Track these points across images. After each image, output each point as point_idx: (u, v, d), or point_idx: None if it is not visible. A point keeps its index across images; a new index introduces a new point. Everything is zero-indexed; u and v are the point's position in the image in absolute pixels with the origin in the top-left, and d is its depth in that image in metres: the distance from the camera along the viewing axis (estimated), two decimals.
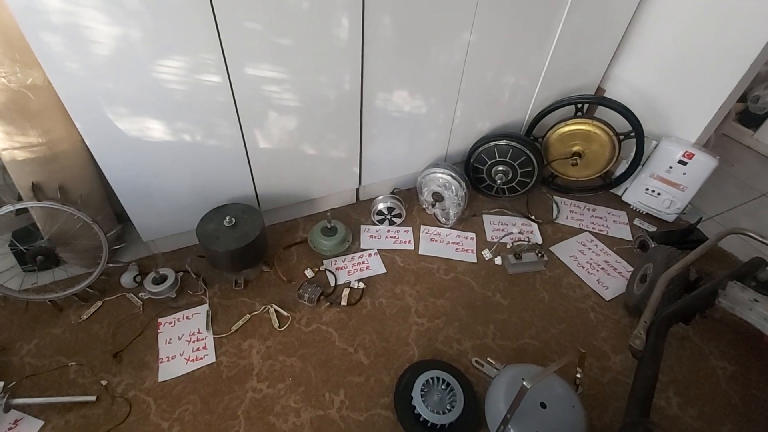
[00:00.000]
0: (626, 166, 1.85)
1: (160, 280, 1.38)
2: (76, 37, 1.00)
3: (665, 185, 1.79)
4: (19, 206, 1.20)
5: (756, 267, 1.24)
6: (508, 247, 1.64)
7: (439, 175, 1.69)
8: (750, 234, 1.24)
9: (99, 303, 1.38)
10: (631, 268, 1.64)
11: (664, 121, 1.82)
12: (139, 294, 1.40)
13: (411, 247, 1.67)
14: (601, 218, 1.87)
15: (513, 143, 1.74)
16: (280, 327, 1.36)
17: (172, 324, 1.35)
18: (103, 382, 1.19)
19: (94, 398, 1.16)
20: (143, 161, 1.28)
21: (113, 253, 1.38)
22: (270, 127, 1.38)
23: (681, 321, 1.19)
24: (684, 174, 1.73)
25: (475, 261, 1.63)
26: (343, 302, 1.43)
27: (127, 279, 1.42)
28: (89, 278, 1.34)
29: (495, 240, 1.72)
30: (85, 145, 1.21)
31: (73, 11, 0.96)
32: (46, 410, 1.14)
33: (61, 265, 1.40)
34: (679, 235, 1.70)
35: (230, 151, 1.38)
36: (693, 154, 1.69)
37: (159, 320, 1.36)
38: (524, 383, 0.92)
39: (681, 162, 1.72)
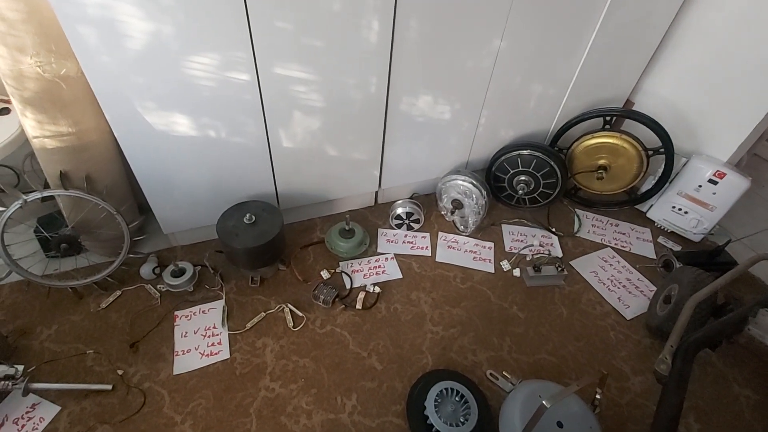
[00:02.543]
0: (653, 182, 1.80)
1: (179, 273, 1.39)
2: (111, 31, 1.01)
3: (693, 204, 1.73)
4: (46, 194, 1.22)
5: None
6: (528, 259, 1.61)
7: (460, 182, 1.67)
8: None
9: (118, 292, 1.40)
10: (654, 288, 1.60)
11: (695, 138, 1.77)
12: (158, 286, 1.41)
13: (428, 253, 1.65)
14: (624, 234, 1.83)
15: (537, 153, 1.70)
16: (294, 327, 1.36)
17: (189, 318, 1.36)
18: (120, 372, 1.21)
19: (110, 387, 1.17)
20: (168, 155, 1.29)
21: (134, 244, 1.39)
22: (294, 127, 1.38)
23: (708, 347, 1.15)
24: (714, 194, 1.68)
25: (493, 271, 1.61)
26: (358, 306, 1.43)
27: (146, 270, 1.43)
28: (110, 267, 1.36)
29: (513, 251, 1.69)
30: (113, 136, 1.22)
31: (109, 5, 0.97)
32: (63, 396, 1.15)
33: (82, 252, 1.42)
34: (706, 256, 1.65)
35: (254, 149, 1.38)
36: (724, 174, 1.64)
37: (176, 313, 1.37)
38: (544, 402, 0.90)
39: (711, 181, 1.67)
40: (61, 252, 1.29)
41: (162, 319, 1.35)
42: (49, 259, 1.44)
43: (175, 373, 1.22)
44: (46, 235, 1.31)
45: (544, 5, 1.42)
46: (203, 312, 1.38)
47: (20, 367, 1.05)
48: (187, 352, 1.27)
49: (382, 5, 1.21)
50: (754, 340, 1.15)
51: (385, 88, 1.40)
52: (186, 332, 1.32)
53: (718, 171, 1.65)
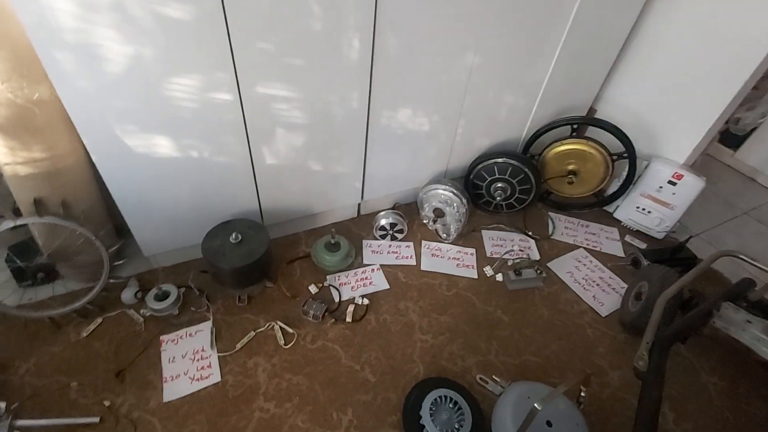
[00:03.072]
0: (618, 184, 1.91)
1: (163, 296, 1.36)
2: (88, 55, 0.99)
3: (655, 204, 1.86)
4: (20, 222, 1.17)
5: (746, 288, 1.30)
6: (509, 264, 1.67)
7: (441, 191, 1.72)
8: (742, 257, 1.31)
9: (99, 320, 1.35)
10: (625, 285, 1.70)
11: (655, 142, 1.90)
12: (141, 311, 1.38)
13: (413, 262, 1.69)
14: (594, 234, 1.93)
15: (512, 161, 1.78)
16: (285, 344, 1.36)
17: (175, 342, 1.33)
18: (106, 403, 1.17)
19: (97, 419, 1.13)
20: (149, 177, 1.26)
21: (113, 269, 1.35)
22: (278, 144, 1.38)
23: (679, 341, 1.24)
24: (673, 194, 1.80)
25: (476, 277, 1.66)
26: (349, 319, 1.44)
27: (128, 295, 1.39)
28: (89, 294, 1.32)
29: (494, 255, 1.75)
30: (89, 160, 1.19)
31: (86, 29, 0.95)
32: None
33: (58, 280, 1.37)
34: (670, 252, 1.76)
35: (237, 167, 1.37)
36: (682, 175, 1.77)
37: (161, 338, 1.34)
38: (536, 405, 0.95)
39: (671, 182, 1.79)
40: (38, 281, 1.24)
41: (147, 344, 1.31)
42: (24, 289, 1.37)
43: (165, 400, 1.20)
44: (20, 264, 1.25)
45: (513, 23, 1.49)
46: (190, 335, 1.35)
47: (2, 405, 1.00)
48: (177, 377, 1.25)
49: (362, 24, 1.23)
50: (718, 331, 1.25)
51: (366, 103, 1.43)
52: (174, 357, 1.29)
53: (676, 173, 1.78)
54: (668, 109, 1.83)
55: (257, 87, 1.22)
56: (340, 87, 1.34)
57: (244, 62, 1.16)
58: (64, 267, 1.34)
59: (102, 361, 1.26)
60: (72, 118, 1.06)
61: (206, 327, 1.37)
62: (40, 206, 1.19)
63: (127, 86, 1.07)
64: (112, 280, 1.35)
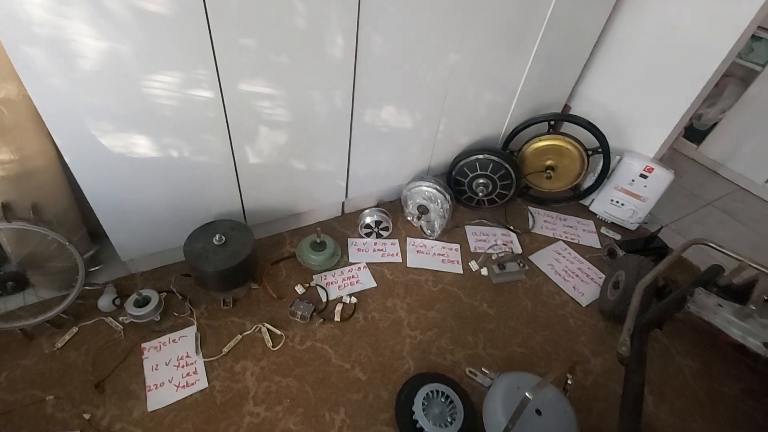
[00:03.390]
0: (593, 178, 1.98)
1: (143, 302, 1.31)
2: (61, 51, 0.94)
3: (628, 197, 1.93)
4: None
5: (716, 274, 1.38)
6: (493, 258, 1.70)
7: (425, 188, 1.73)
8: (711, 245, 1.38)
9: (74, 329, 1.29)
10: (603, 275, 1.76)
11: (627, 137, 1.97)
12: (119, 318, 1.32)
13: (399, 259, 1.69)
14: (571, 227, 1.99)
15: (492, 157, 1.81)
16: (273, 346, 1.34)
17: (158, 349, 1.29)
18: (86, 416, 1.12)
19: None
20: (126, 177, 1.21)
21: (89, 275, 1.29)
22: (261, 142, 1.36)
23: (657, 326, 1.29)
24: (645, 186, 1.88)
25: (461, 272, 1.68)
26: (337, 318, 1.43)
27: (105, 302, 1.33)
28: (64, 303, 1.25)
29: (478, 250, 1.78)
30: (61, 161, 1.14)
31: (58, 23, 0.90)
32: None
33: (29, 288, 1.29)
34: (643, 243, 1.84)
35: (219, 167, 1.34)
36: (652, 169, 1.85)
37: (143, 345, 1.29)
38: (527, 395, 0.97)
39: (642, 176, 1.87)
40: (8, 291, 1.17)
41: (128, 353, 1.26)
42: (9, 295, 1.28)
43: (149, 409, 1.15)
44: None
45: (493, 23, 1.52)
46: (173, 341, 1.31)
47: None
48: (161, 385, 1.20)
49: (346, 22, 1.23)
50: (692, 316, 1.31)
51: (350, 101, 1.42)
52: (157, 365, 1.25)
53: (647, 166, 1.85)
54: (638, 106, 1.90)
55: (239, 84, 1.19)
56: (323, 85, 1.33)
57: (225, 59, 1.13)
58: (35, 275, 1.26)
59: (79, 373, 1.20)
60: (43, 117, 1.01)
61: (190, 332, 1.33)
62: (7, 211, 1.13)
63: (102, 83, 1.02)
64: (87, 287, 1.29)
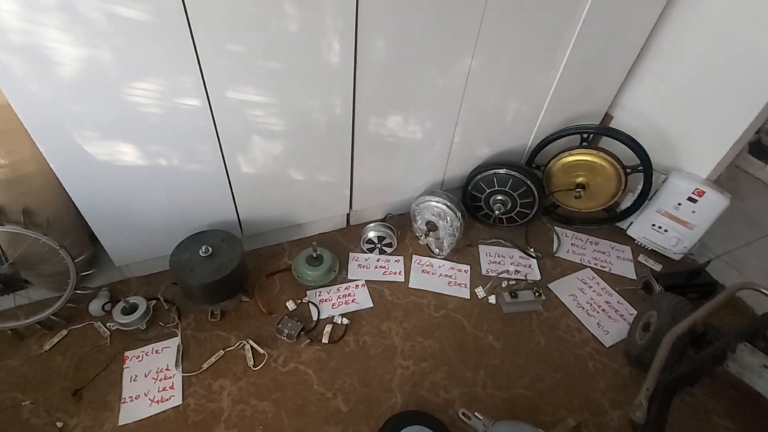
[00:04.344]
0: (633, 199, 1.75)
1: (130, 309, 1.30)
2: (38, 58, 0.92)
3: (673, 222, 1.69)
4: None
5: (766, 326, 1.14)
6: (504, 285, 1.54)
7: (434, 203, 1.60)
8: (764, 291, 1.15)
9: (64, 332, 1.30)
10: (634, 311, 1.55)
11: (675, 154, 1.73)
12: (107, 324, 1.32)
13: (401, 279, 1.58)
14: (603, 253, 1.78)
15: (513, 172, 1.64)
16: (255, 366, 1.27)
17: (140, 358, 1.27)
18: (59, 424, 1.11)
19: None
20: (115, 185, 1.19)
21: (82, 279, 1.30)
22: (254, 152, 1.30)
23: (687, 385, 1.09)
24: (693, 212, 1.63)
25: (468, 297, 1.54)
26: (325, 339, 1.35)
27: (95, 307, 1.33)
28: (54, 306, 1.26)
29: (491, 273, 1.62)
30: None
31: (32, 30, 0.88)
32: None
33: (26, 288, 1.32)
34: (686, 276, 1.60)
35: (210, 176, 1.30)
36: (704, 192, 1.60)
37: (126, 354, 1.27)
38: None
39: (690, 199, 1.62)
40: None
41: (111, 360, 1.25)
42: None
43: (120, 423, 1.13)
44: None
45: (515, 22, 1.36)
46: (156, 352, 1.28)
47: None
48: (136, 398, 1.18)
49: (342, 25, 1.13)
50: (731, 375, 1.10)
51: (350, 109, 1.33)
52: (136, 376, 1.22)
53: (697, 189, 1.61)
54: (691, 118, 1.65)
55: (227, 92, 1.14)
56: (320, 92, 1.25)
57: (211, 66, 1.07)
58: (30, 276, 1.28)
59: (60, 378, 1.20)
60: (25, 124, 1.00)
61: (174, 343, 1.30)
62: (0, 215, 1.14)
63: (83, 91, 1.00)
64: (79, 291, 1.30)
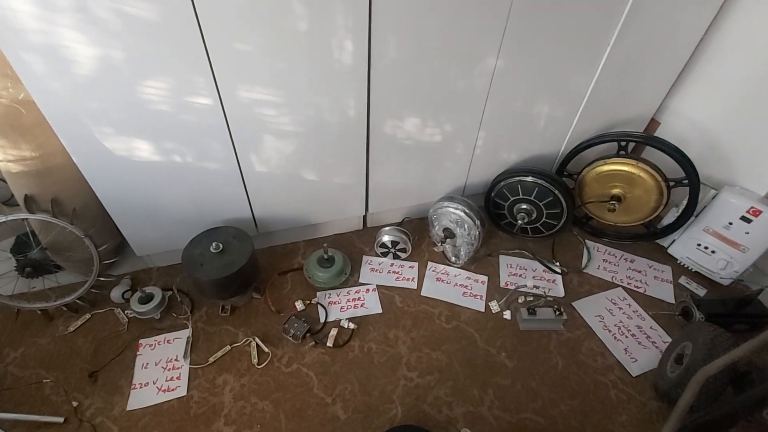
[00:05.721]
0: (677, 214, 1.59)
1: (146, 299, 1.35)
2: (56, 57, 0.96)
3: (722, 243, 1.51)
4: (11, 218, 1.20)
5: None
6: (520, 301, 1.46)
7: (452, 210, 1.53)
8: None
9: (87, 315, 1.38)
10: (669, 339, 1.41)
11: (729, 167, 1.54)
12: (126, 311, 1.38)
13: (413, 285, 1.53)
14: (639, 272, 1.63)
15: (540, 181, 1.54)
16: (258, 364, 1.28)
17: (153, 347, 1.31)
18: (75, 403, 1.18)
19: (61, 420, 1.14)
20: (134, 179, 1.24)
21: (107, 267, 1.36)
22: (267, 151, 1.30)
23: (720, 431, 0.97)
24: (746, 233, 1.45)
25: (483, 310, 1.47)
26: (329, 343, 1.33)
27: (116, 294, 1.40)
28: (79, 290, 1.34)
29: (509, 286, 1.54)
30: None
31: (49, 30, 0.92)
32: (17, 426, 1.13)
33: (56, 272, 1.41)
34: (733, 305, 1.43)
35: (224, 173, 1.31)
36: (760, 212, 1.41)
37: (140, 341, 1.32)
38: None
39: (744, 218, 1.44)
40: (25, 275, 1.28)
41: (126, 347, 1.31)
42: (30, 279, 1.43)
43: (128, 408, 1.18)
44: (14, 257, 1.29)
45: (546, 19, 1.26)
46: (168, 342, 1.33)
47: None
48: (145, 385, 1.22)
49: (354, 24, 1.10)
50: None
51: (364, 110, 1.29)
52: (147, 363, 1.27)
53: (752, 207, 1.42)
54: (749, 128, 1.47)
55: (239, 91, 1.14)
56: (332, 93, 1.22)
57: (221, 65, 1.07)
58: (59, 260, 1.37)
59: (80, 360, 1.27)
60: (48, 119, 1.06)
61: (184, 335, 1.34)
62: (30, 203, 1.22)
63: (99, 88, 1.03)
64: (102, 279, 1.37)
